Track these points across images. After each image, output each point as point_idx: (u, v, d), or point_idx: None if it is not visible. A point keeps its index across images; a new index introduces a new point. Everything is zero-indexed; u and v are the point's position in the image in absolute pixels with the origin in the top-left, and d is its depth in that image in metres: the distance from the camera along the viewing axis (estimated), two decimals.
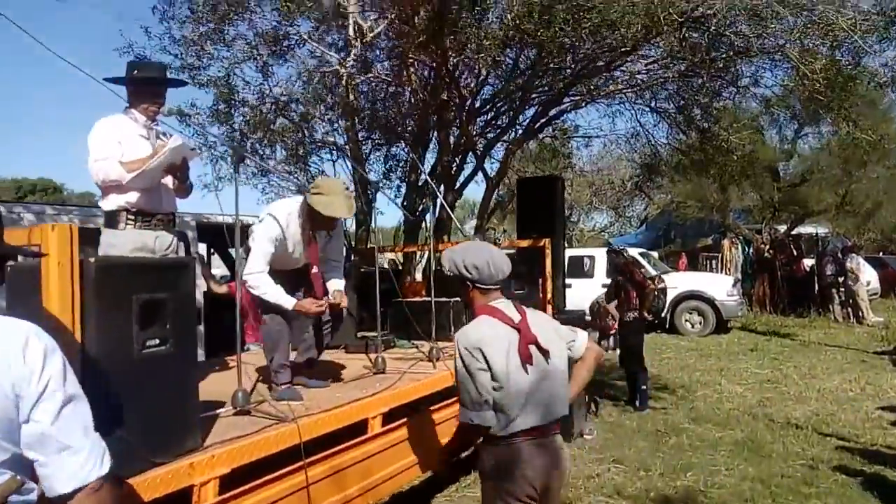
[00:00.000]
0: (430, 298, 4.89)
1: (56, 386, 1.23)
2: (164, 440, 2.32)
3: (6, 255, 1.41)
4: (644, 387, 6.74)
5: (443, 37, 5.32)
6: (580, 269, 13.76)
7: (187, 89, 6.71)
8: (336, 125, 7.31)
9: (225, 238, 7.57)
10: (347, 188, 3.41)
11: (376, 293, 4.24)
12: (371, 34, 6.29)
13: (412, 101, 7.40)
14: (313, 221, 3.31)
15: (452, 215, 5.34)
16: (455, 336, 2.28)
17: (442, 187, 7.12)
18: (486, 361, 2.15)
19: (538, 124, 7.51)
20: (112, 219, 3.16)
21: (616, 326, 7.30)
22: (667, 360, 10.24)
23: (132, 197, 3.13)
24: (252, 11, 6.17)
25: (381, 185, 7.13)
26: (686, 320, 13.18)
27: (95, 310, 2.04)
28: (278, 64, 6.63)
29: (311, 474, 2.81)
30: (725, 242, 18.71)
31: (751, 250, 18.28)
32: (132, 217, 3.16)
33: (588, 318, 11.10)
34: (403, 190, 8.04)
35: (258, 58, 6.30)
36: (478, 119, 7.83)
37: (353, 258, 6.81)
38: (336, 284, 3.54)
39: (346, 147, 6.81)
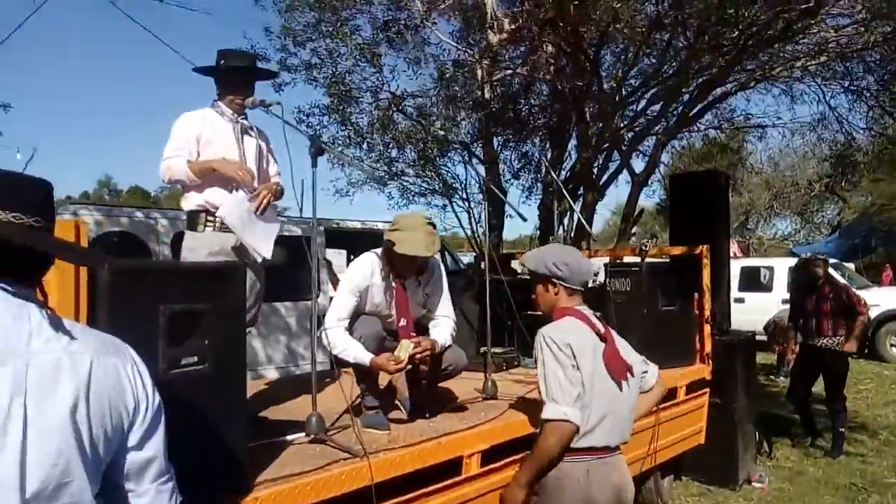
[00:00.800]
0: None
1: (161, 412, 1.22)
2: (197, 477, 1.97)
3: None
4: (842, 429, 5.58)
5: (570, 8, 4.66)
6: (756, 281, 12.26)
7: (301, 89, 6.65)
8: (465, 122, 6.90)
9: (364, 243, 7.61)
10: (430, 222, 2.93)
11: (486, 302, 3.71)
12: (507, 21, 5.83)
13: (547, 91, 6.79)
14: (392, 264, 2.94)
15: (583, 219, 4.64)
16: (539, 332, 2.18)
17: (582, 187, 6.45)
18: (576, 360, 2.08)
19: (695, 111, 6.50)
20: (192, 220, 2.97)
21: (796, 351, 6.07)
22: (865, 394, 8.57)
23: (213, 196, 2.91)
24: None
25: (508, 185, 6.54)
26: (893, 345, 11.12)
27: (106, 322, 1.74)
28: (391, 54, 6.39)
29: None
30: None
31: None
32: (212, 218, 2.94)
33: (762, 337, 9.77)
34: (539, 191, 7.48)
35: (369, 47, 6.03)
36: (624, 110, 7.02)
37: (481, 265, 6.39)
38: (435, 335, 3.03)
39: (475, 146, 6.37)
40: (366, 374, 2.90)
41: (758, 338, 7.00)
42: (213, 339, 2.02)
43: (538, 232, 7.21)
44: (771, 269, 12.60)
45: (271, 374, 5.66)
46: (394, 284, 2.99)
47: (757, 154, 14.67)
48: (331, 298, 6.11)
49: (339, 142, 6.91)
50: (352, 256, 9.09)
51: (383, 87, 6.32)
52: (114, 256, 5.08)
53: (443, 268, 3.19)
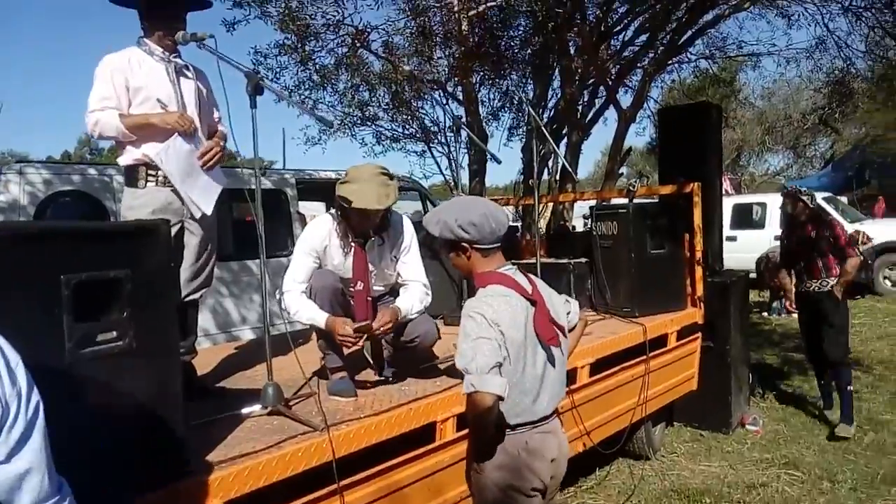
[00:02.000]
0: (546, 260, 4.05)
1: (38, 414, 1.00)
2: (126, 470, 1.76)
3: None
4: (849, 387, 4.67)
5: None
6: (748, 218, 12.10)
7: (256, 27, 6.11)
8: (440, 59, 6.48)
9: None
10: (384, 172, 2.65)
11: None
12: None
13: (526, 23, 6.36)
14: (348, 220, 2.69)
15: (566, 162, 4.36)
16: (465, 306, 1.97)
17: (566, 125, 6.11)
18: (503, 336, 1.89)
19: (684, 38, 6.11)
20: (131, 176, 2.69)
21: (791, 302, 5.20)
22: (859, 328, 8.50)
23: (152, 147, 2.61)
24: None
25: (488, 124, 6.14)
26: (885, 278, 11.07)
27: None
28: None
29: (350, 499, 2.17)
30: None
31: None
32: (153, 172, 2.65)
33: (753, 275, 9.63)
34: (519, 133, 7.13)
35: None
36: (609, 41, 6.63)
37: None
38: (398, 301, 2.78)
39: (451, 84, 5.95)
40: (326, 332, 2.67)
41: (750, 276, 6.84)
42: (136, 311, 1.78)
43: (521, 176, 6.92)
44: (763, 205, 12.41)
45: (247, 334, 5.45)
46: (352, 244, 2.73)
47: (750, 86, 14.20)
48: None
49: (304, 86, 6.51)
50: (330, 209, 8.83)
51: (344, 20, 5.84)
52: (65, 218, 4.86)
53: (411, 226, 2.91)
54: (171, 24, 2.66)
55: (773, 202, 12.36)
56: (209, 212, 2.71)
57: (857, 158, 19.80)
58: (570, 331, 2.19)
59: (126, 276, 1.75)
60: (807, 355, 5.28)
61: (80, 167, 4.93)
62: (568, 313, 2.20)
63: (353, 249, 2.74)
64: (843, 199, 14.56)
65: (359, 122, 7.12)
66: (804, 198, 4.80)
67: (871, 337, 7.95)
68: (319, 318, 2.60)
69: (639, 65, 6.70)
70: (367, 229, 2.71)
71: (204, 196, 2.70)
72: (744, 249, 10.90)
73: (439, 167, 7.67)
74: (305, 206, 7.28)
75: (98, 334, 1.71)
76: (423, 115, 7.25)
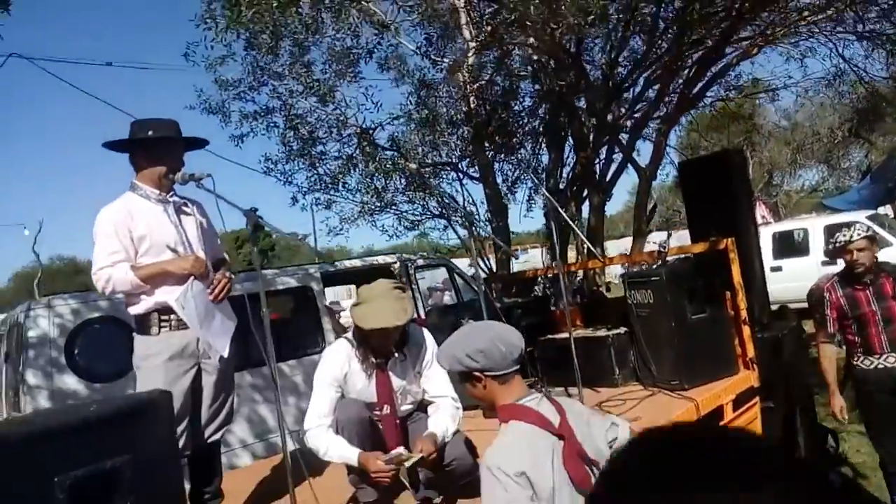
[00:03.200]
0: (583, 333, 3.85)
1: None
2: None
3: None
4: None
5: (530, 9, 4.20)
6: (791, 245, 11.62)
7: (257, 142, 6.30)
8: (449, 141, 6.48)
9: (369, 279, 7.22)
10: (396, 286, 2.58)
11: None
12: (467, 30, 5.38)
13: (532, 93, 6.35)
14: (366, 342, 2.59)
15: (582, 235, 4.20)
16: (484, 457, 1.81)
17: (585, 189, 5.98)
18: (532, 487, 1.70)
19: (695, 90, 6.00)
20: (143, 324, 2.63)
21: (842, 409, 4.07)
22: None
23: (169, 295, 2.56)
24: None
25: (507, 198, 5.98)
26: None
27: None
28: (355, 84, 5.96)
29: None
30: None
31: None
32: (166, 317, 2.59)
33: (805, 306, 9.14)
34: (537, 201, 7.01)
35: (321, 84, 5.60)
36: (619, 98, 6.55)
37: (493, 286, 5.99)
38: (431, 426, 2.60)
39: (462, 161, 5.95)
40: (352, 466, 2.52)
41: (801, 306, 6.41)
42: (139, 498, 1.66)
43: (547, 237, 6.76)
44: (804, 230, 11.95)
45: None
46: (374, 364, 2.61)
47: (767, 117, 13.84)
48: None
49: (318, 185, 6.58)
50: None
51: (346, 122, 5.92)
52: (97, 345, 4.87)
53: (431, 337, 2.78)
54: (172, 164, 2.65)
55: (815, 226, 11.94)
56: (226, 353, 2.63)
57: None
58: None
59: (126, 464, 1.65)
60: (885, 459, 3.73)
61: None
62: (614, 439, 1.99)
63: (374, 372, 2.61)
64: (890, 212, 13.99)
65: (377, 209, 7.15)
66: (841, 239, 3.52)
67: None
68: (350, 455, 2.46)
69: (652, 118, 6.59)
70: (387, 348, 2.59)
71: (220, 337, 2.63)
72: (791, 279, 10.42)
73: (462, 242, 7.60)
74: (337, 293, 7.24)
75: None
76: (440, 193, 7.24)
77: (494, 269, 6.98)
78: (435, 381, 2.70)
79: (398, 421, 2.64)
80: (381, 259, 6.52)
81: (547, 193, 3.65)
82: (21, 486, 1.48)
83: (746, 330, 4.27)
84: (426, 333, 2.77)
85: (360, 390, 2.63)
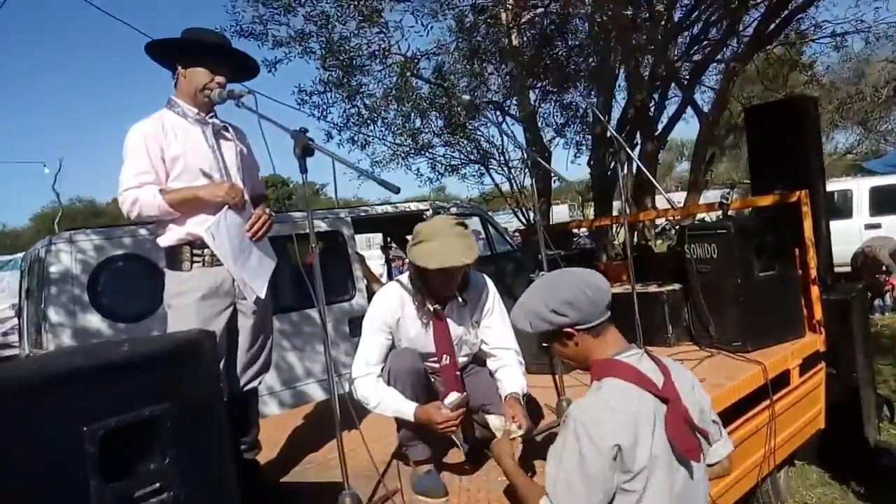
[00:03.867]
0: (631, 288, 3.57)
1: None
2: None
3: None
4: None
5: None
6: (832, 207, 11.09)
7: (298, 64, 5.80)
8: (493, 76, 6.05)
9: (400, 227, 7.00)
10: (460, 223, 2.29)
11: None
12: None
13: (585, 28, 5.88)
14: (426, 285, 2.31)
15: (653, 178, 3.86)
16: (571, 412, 1.58)
17: (638, 135, 5.57)
18: (623, 461, 1.49)
19: (771, 27, 5.48)
20: (174, 258, 2.39)
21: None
22: None
23: (200, 226, 2.30)
24: None
25: (552, 143, 5.59)
26: None
27: None
28: (398, 9, 5.42)
29: None
30: None
31: None
32: (199, 252, 2.34)
33: (847, 270, 8.78)
34: (586, 146, 6.62)
35: (366, 2, 5.11)
36: (677, 38, 6.07)
37: (532, 237, 5.70)
38: (509, 385, 2.34)
39: (508, 104, 5.52)
40: (415, 423, 2.28)
41: (843, 269, 6.03)
42: (181, 453, 1.45)
43: (590, 192, 6.41)
44: (847, 192, 11.48)
45: (313, 389, 5.15)
46: (431, 311, 2.35)
47: (826, 66, 12.99)
48: (370, 297, 5.56)
49: (353, 121, 6.19)
50: (388, 240, 8.54)
51: (390, 49, 5.48)
52: (122, 283, 4.69)
53: (491, 282, 2.51)
54: (211, 79, 2.36)
55: (860, 187, 11.45)
56: (263, 294, 2.39)
57: None
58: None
59: (165, 412, 1.42)
60: None
61: (130, 229, 4.74)
62: (718, 440, 1.76)
63: (431, 319, 2.35)
64: None
65: (412, 152, 6.78)
66: None
67: None
68: (407, 409, 2.22)
69: (715, 60, 6.12)
70: (450, 291, 2.32)
71: (257, 276, 2.37)
72: (832, 242, 10.06)
73: (500, 190, 7.25)
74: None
75: (135, 492, 1.38)
76: (479, 137, 6.85)
77: (531, 219, 6.66)
78: (497, 331, 2.44)
79: (458, 373, 2.40)
80: (412, 206, 6.22)
81: (615, 134, 3.30)
82: (45, 436, 1.26)
83: (815, 290, 3.97)
84: (486, 278, 2.51)
85: (414, 338, 2.38)
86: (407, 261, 2.35)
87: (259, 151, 2.54)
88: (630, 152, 3.28)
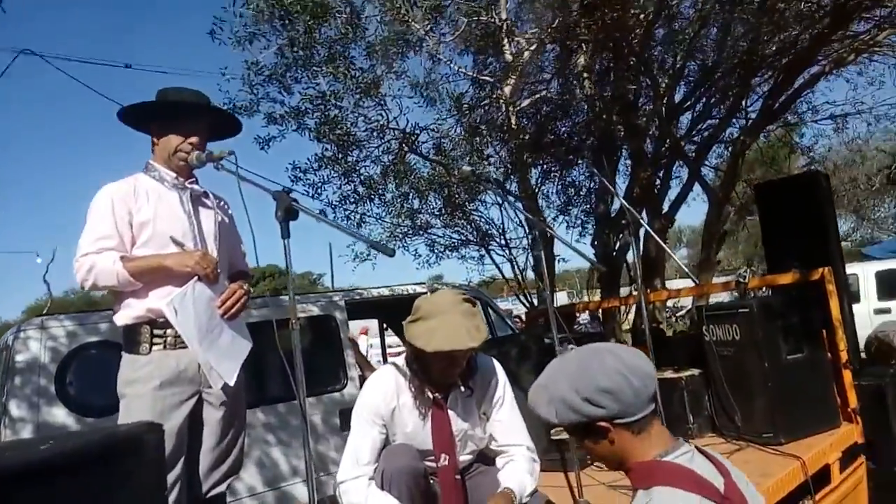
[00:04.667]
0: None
1: None
2: None
3: None
4: None
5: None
6: None
7: (293, 141, 5.62)
8: (493, 157, 5.97)
9: (397, 312, 6.68)
10: (466, 299, 2.02)
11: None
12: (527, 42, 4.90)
13: (587, 107, 5.83)
14: (425, 370, 2.02)
15: (667, 248, 3.63)
16: None
17: (644, 213, 5.38)
18: None
19: (779, 102, 5.41)
20: (130, 339, 2.09)
21: None
22: None
23: (157, 300, 2.03)
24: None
25: (555, 223, 5.45)
26: None
27: None
28: (396, 81, 5.35)
29: None
30: None
31: None
32: (160, 332, 2.05)
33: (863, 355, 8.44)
34: (589, 227, 6.44)
35: (364, 74, 5.03)
36: (681, 114, 6.02)
37: (538, 321, 5.41)
38: (505, 479, 2.04)
39: (508, 179, 5.38)
40: None
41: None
42: None
43: (595, 276, 6.17)
44: (854, 276, 11.27)
45: (300, 490, 4.68)
46: (430, 401, 2.03)
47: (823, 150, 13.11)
48: (361, 382, 5.19)
49: (349, 200, 6.02)
50: (385, 325, 8.20)
51: (388, 124, 5.37)
52: (93, 373, 4.34)
53: (501, 369, 2.21)
54: (185, 140, 2.15)
55: (864, 272, 11.27)
56: (232, 381, 2.08)
57: None
58: None
59: None
60: None
61: (107, 313, 4.46)
62: None
63: (430, 410, 2.03)
64: None
65: (410, 232, 6.59)
66: None
67: None
68: None
69: (720, 140, 6.05)
70: (452, 378, 2.01)
71: (226, 360, 2.08)
72: None
73: (500, 271, 7.02)
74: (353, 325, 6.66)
75: None
76: (478, 218, 6.69)
77: (535, 304, 6.38)
78: (507, 426, 2.11)
79: (458, 477, 2.05)
80: (410, 289, 5.95)
81: (626, 204, 3.09)
82: None
83: (848, 375, 3.65)
84: (496, 364, 2.20)
85: (411, 433, 2.05)
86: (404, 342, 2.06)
87: (239, 217, 2.30)
88: (643, 221, 3.05)
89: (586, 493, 2.63)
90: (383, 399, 2.05)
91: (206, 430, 2.10)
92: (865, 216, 25.98)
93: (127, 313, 2.07)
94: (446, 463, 2.02)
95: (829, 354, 3.68)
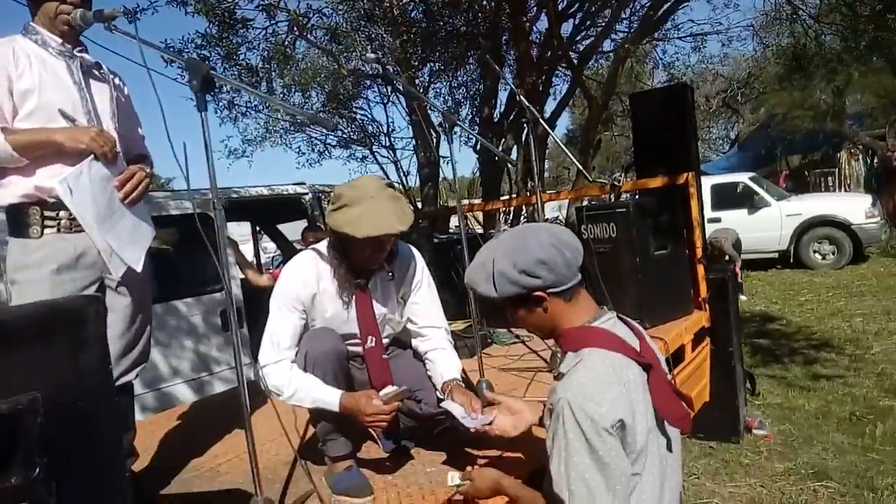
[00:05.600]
0: None
1: None
2: None
3: None
4: None
5: None
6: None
7: (167, 14, 5.09)
8: (381, 49, 5.75)
9: (272, 213, 6.48)
10: (389, 184, 2.02)
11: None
12: None
13: (477, 7, 5.77)
14: (348, 256, 2.01)
15: (565, 150, 3.80)
16: (560, 397, 1.35)
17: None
18: (626, 441, 1.33)
19: (659, 14, 5.69)
20: (18, 220, 1.88)
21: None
22: (810, 305, 8.52)
23: (50, 177, 1.83)
24: None
25: (451, 119, 5.46)
26: (815, 251, 11.34)
27: None
28: None
29: None
30: (843, 154, 16.32)
31: (874, 161, 15.93)
32: (52, 213, 1.86)
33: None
34: (475, 130, 6.52)
35: None
36: (562, 24, 6.14)
37: (420, 224, 5.49)
38: (447, 370, 2.11)
39: (397, 75, 5.26)
40: (337, 414, 1.96)
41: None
42: (57, 457, 1.05)
43: (479, 176, 6.30)
44: None
45: (181, 391, 4.57)
46: (353, 287, 2.04)
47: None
48: (241, 283, 5.04)
49: (225, 88, 5.56)
50: (258, 229, 7.92)
51: (279, 3, 4.94)
52: None
53: (419, 254, 2.26)
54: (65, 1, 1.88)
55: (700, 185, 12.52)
56: (139, 267, 1.95)
57: (763, 139, 20.63)
58: None
59: (33, 404, 1.02)
60: None
61: None
62: None
63: (353, 295, 2.05)
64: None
65: (291, 128, 6.26)
66: None
67: (825, 314, 7.93)
68: (331, 397, 1.90)
69: (601, 51, 6.27)
70: (377, 263, 2.03)
71: (130, 245, 1.93)
72: None
73: (385, 173, 6.97)
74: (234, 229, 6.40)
75: None
76: (362, 116, 6.51)
77: (420, 205, 6.45)
78: (426, 308, 2.19)
79: (385, 357, 2.11)
80: (290, 188, 5.76)
81: (525, 101, 3.16)
82: None
83: (701, 269, 4.13)
84: (413, 249, 2.25)
85: (332, 318, 2.06)
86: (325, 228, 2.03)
87: (142, 91, 2.08)
88: (540, 117, 3.15)
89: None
90: (304, 285, 2.03)
91: (112, 317, 1.97)
92: (700, 137, 28.56)
93: (11, 191, 1.84)
94: (373, 344, 2.07)
95: (686, 251, 4.14)
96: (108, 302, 1.98)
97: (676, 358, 3.58)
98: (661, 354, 1.61)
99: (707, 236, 9.99)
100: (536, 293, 1.45)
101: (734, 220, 11.23)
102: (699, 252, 4.10)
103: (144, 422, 3.79)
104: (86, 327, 1.20)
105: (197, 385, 4.67)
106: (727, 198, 11.93)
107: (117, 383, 2.02)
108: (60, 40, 1.91)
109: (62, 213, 1.87)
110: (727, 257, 9.64)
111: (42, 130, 1.82)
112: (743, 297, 10.06)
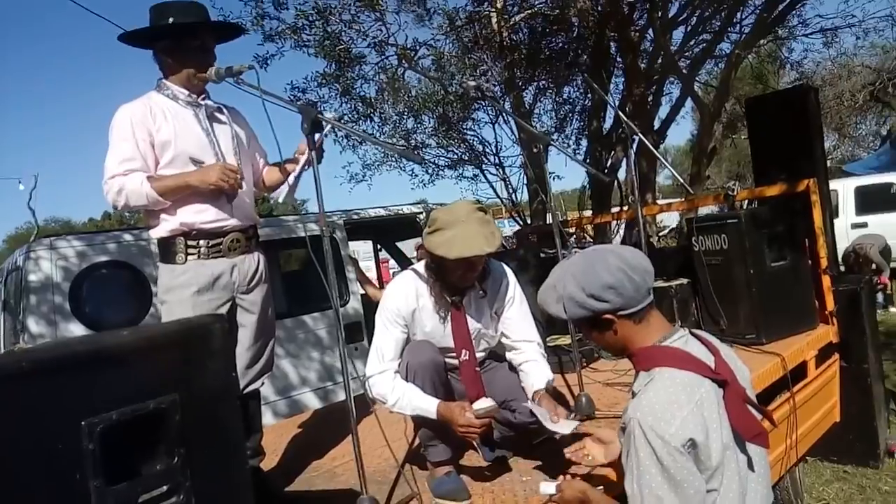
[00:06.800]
0: None
1: None
2: None
3: None
4: None
5: None
6: None
7: (291, 59, 5.56)
8: (488, 74, 5.94)
9: (390, 232, 6.85)
10: (480, 208, 2.14)
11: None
12: None
13: (581, 24, 5.78)
14: (442, 276, 2.17)
15: (664, 161, 3.75)
16: (632, 418, 1.39)
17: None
18: (699, 458, 1.35)
19: (774, 14, 5.41)
20: (167, 250, 2.21)
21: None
22: None
23: (194, 215, 2.15)
24: None
25: (551, 138, 5.50)
26: None
27: None
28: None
29: None
30: None
31: None
32: (193, 243, 2.17)
33: (842, 268, 8.80)
34: (584, 144, 6.51)
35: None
36: (672, 32, 6.00)
37: (529, 238, 5.57)
38: (537, 379, 2.21)
39: (503, 98, 5.39)
40: (436, 421, 2.12)
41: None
42: (192, 450, 1.27)
43: (588, 190, 6.28)
44: (835, 192, 11.52)
45: (308, 399, 4.95)
46: (448, 303, 2.20)
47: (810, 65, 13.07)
48: (362, 298, 5.37)
49: (346, 118, 6.01)
50: (378, 247, 8.35)
51: (388, 39, 5.31)
52: (105, 291, 4.48)
53: (511, 272, 2.38)
54: (202, 58, 2.20)
55: (845, 187, 11.51)
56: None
57: None
58: None
59: (174, 404, 1.25)
60: None
61: (114, 234, 4.54)
62: None
63: (449, 312, 2.20)
64: None
65: (410, 150, 6.60)
66: None
67: None
68: (429, 406, 2.06)
69: (714, 55, 6.05)
70: (469, 282, 2.18)
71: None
72: None
73: (495, 190, 7.13)
74: (354, 247, 6.81)
75: (141, 495, 1.21)
76: (472, 137, 6.73)
77: (529, 221, 6.54)
78: (518, 323, 2.30)
79: (478, 370, 2.25)
80: (406, 209, 6.07)
81: (623, 116, 3.18)
82: (38, 431, 1.08)
83: (826, 280, 3.88)
84: (506, 267, 2.37)
85: (430, 332, 2.23)
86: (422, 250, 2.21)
87: (264, 134, 2.37)
88: (637, 131, 3.14)
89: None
90: (405, 301, 2.21)
91: (241, 332, 2.26)
92: (847, 134, 26.16)
93: (162, 227, 2.18)
94: (467, 357, 2.21)
95: (809, 261, 3.91)
96: (238, 318, 2.28)
97: (797, 375, 3.40)
98: (745, 370, 1.61)
99: (851, 243, 9.29)
100: (605, 316, 1.50)
101: (883, 224, 10.24)
102: (824, 262, 3.86)
103: (275, 425, 4.17)
104: (213, 341, 1.43)
105: (323, 393, 5.03)
106: (874, 200, 10.93)
107: (246, 390, 2.31)
108: (187, 92, 2.24)
109: (201, 242, 2.19)
110: (873, 266, 8.84)
111: (178, 176, 2.14)
112: (893, 310, 9.18)
